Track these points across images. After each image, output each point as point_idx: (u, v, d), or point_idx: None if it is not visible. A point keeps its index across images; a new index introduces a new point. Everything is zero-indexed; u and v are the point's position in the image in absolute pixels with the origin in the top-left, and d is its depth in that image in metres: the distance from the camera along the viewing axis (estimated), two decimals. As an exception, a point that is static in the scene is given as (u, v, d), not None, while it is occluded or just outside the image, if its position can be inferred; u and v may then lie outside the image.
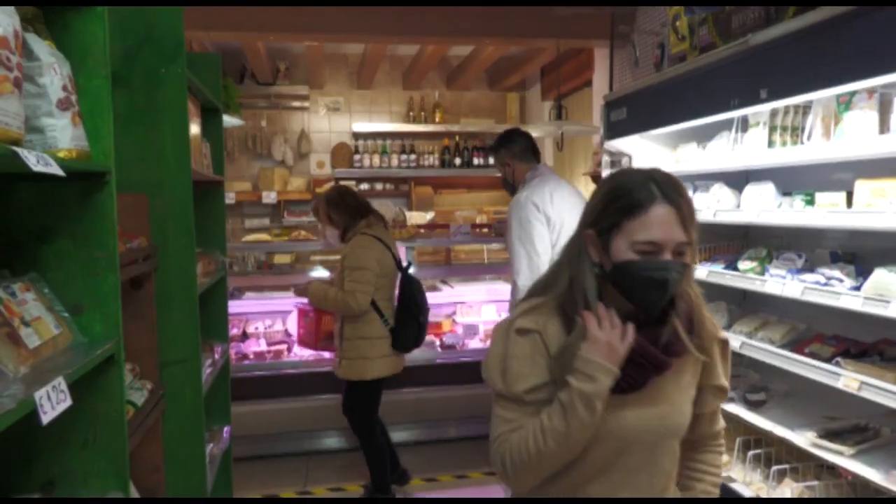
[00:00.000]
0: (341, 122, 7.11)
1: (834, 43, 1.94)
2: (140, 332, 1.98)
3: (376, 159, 6.94)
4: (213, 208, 2.88)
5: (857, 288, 2.10)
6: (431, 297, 4.80)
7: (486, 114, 7.39)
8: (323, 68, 6.73)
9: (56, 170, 1.04)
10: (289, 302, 4.60)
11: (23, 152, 0.95)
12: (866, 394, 1.98)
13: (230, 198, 6.11)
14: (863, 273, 2.15)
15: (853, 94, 2.13)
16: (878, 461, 2.04)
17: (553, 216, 2.84)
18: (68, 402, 1.09)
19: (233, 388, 3.08)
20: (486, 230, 4.85)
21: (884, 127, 2.03)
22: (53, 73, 1.19)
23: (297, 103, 6.94)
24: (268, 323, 4.50)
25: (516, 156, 3.09)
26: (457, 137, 7.07)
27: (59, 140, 1.20)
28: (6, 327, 1.10)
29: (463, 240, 4.56)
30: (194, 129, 2.33)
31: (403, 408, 4.08)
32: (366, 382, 3.26)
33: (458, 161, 7.03)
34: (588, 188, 6.01)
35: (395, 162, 6.95)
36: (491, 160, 7.04)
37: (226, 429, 2.88)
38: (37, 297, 1.25)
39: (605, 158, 3.73)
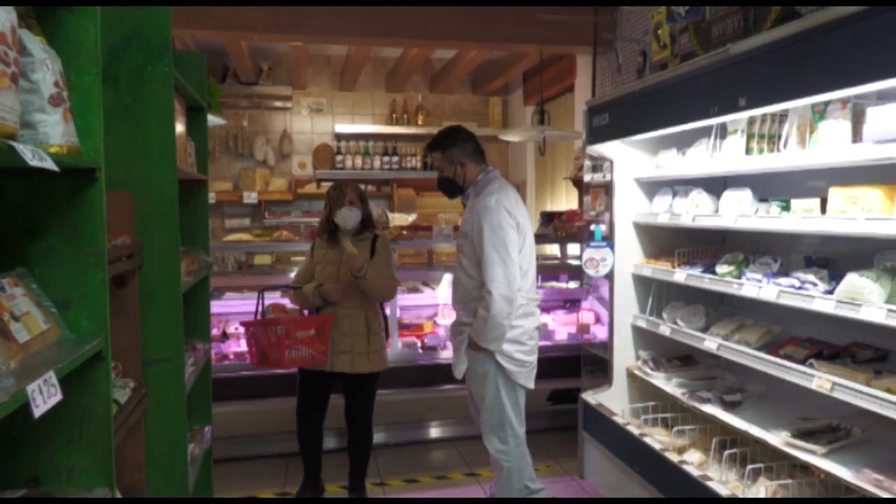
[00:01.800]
0: (324, 124, 7.11)
1: (810, 54, 2.00)
2: (123, 330, 1.97)
3: (358, 161, 6.95)
4: (196, 207, 2.86)
5: (830, 292, 2.16)
6: (413, 299, 4.83)
7: (468, 117, 7.43)
8: (306, 69, 6.72)
9: (51, 165, 1.05)
10: (268, 302, 4.58)
11: (19, 147, 0.96)
12: (838, 394, 2.04)
13: (210, 197, 6.05)
14: (835, 277, 2.22)
15: (827, 103, 2.20)
16: (849, 460, 2.10)
17: (521, 221, 2.78)
18: (59, 397, 1.09)
19: (213, 388, 3.06)
20: (468, 233, 4.88)
21: (856, 136, 2.10)
22: (46, 69, 1.19)
23: (279, 104, 6.92)
24: (248, 323, 4.47)
25: (470, 156, 2.91)
26: (439, 140, 7.10)
27: (50, 136, 1.20)
28: (-4, 322, 1.10)
29: (445, 242, 4.58)
30: (179, 127, 2.33)
31: (384, 409, 4.08)
32: (377, 375, 3.29)
33: (440, 164, 7.06)
34: (569, 192, 6.08)
35: (377, 164, 6.97)
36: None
37: (207, 429, 2.87)
38: (25, 293, 1.25)
39: (587, 163, 3.79)
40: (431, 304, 4.76)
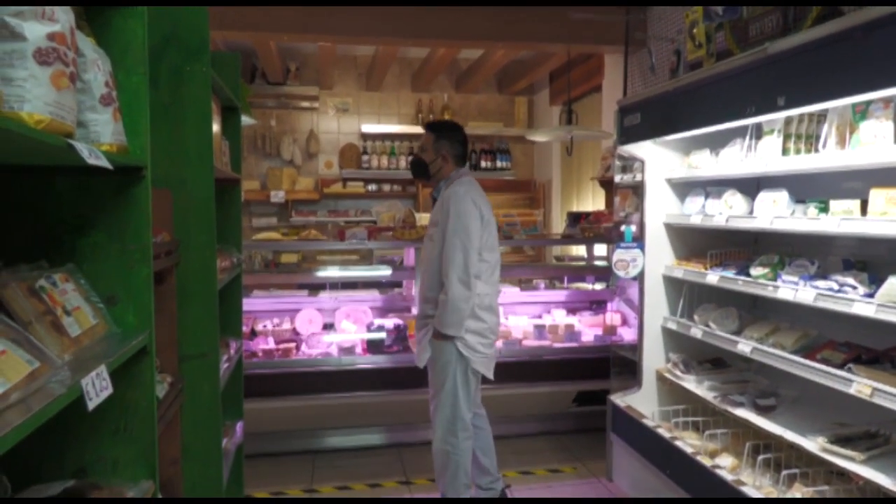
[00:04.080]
0: (350, 123, 7.16)
1: (852, 53, 1.97)
2: (161, 326, 1.99)
3: (384, 160, 6.98)
4: (230, 206, 2.90)
5: (871, 295, 2.12)
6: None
7: (494, 117, 7.43)
8: (333, 69, 6.77)
9: (106, 163, 1.07)
10: (296, 300, 4.63)
11: (78, 145, 0.98)
12: (879, 400, 2.00)
13: (239, 196, 6.14)
14: (875, 280, 2.17)
15: (869, 103, 2.16)
16: (888, 467, 2.06)
17: (485, 215, 2.91)
18: (110, 390, 1.11)
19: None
20: (494, 233, 4.87)
21: (899, 136, 2.06)
22: (97, 69, 1.22)
23: (306, 104, 6.98)
24: (276, 321, 4.52)
25: (455, 154, 3.06)
26: (465, 140, 7.10)
27: (101, 135, 1.22)
28: (50, 315, 1.13)
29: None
30: (216, 127, 2.36)
31: (406, 408, 4.10)
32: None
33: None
34: (596, 193, 6.04)
35: (402, 163, 6.99)
36: (500, 162, 7.12)
37: (239, 424, 2.90)
38: (75, 288, 1.28)
39: (617, 163, 3.77)
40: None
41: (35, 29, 0.96)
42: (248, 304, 4.55)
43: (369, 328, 4.28)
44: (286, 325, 4.45)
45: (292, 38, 5.24)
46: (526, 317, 4.81)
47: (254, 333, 4.34)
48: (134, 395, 1.40)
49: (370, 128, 7.03)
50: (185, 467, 2.11)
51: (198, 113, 2.15)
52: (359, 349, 4.19)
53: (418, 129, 7.06)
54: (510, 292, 4.96)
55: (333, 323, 4.51)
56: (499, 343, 4.37)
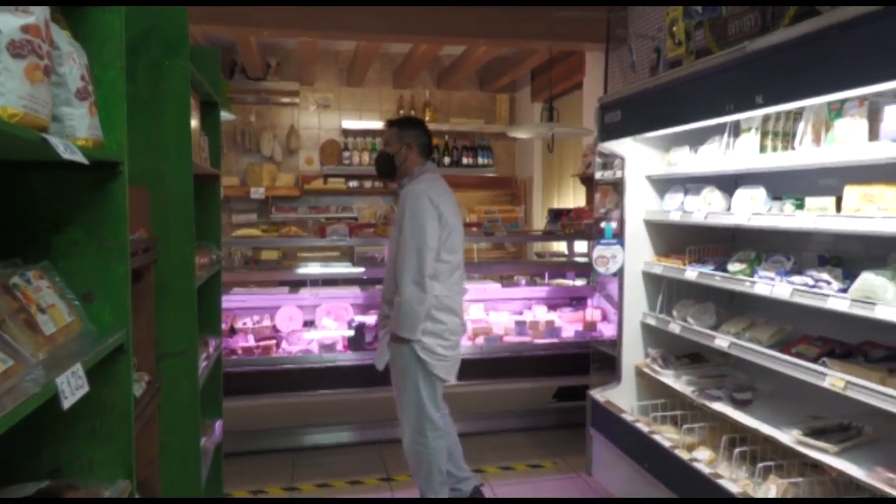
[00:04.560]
0: (331, 119, 7.12)
1: (829, 52, 1.99)
2: (138, 324, 1.97)
3: (365, 157, 6.95)
4: (209, 202, 2.87)
5: (845, 290, 2.16)
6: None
7: (475, 114, 7.43)
8: (314, 65, 6.72)
9: (81, 158, 1.05)
10: (276, 297, 4.60)
11: (52, 139, 0.96)
12: (852, 393, 2.04)
13: (218, 192, 6.08)
14: (849, 276, 2.21)
15: (844, 101, 2.19)
16: (861, 459, 2.10)
17: (445, 213, 2.83)
18: (86, 389, 1.09)
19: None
20: (475, 229, 4.88)
21: (873, 134, 2.09)
22: (72, 62, 1.19)
23: (286, 99, 6.93)
24: (256, 318, 4.49)
25: (419, 145, 3.01)
26: (446, 137, 7.11)
27: (76, 129, 1.20)
28: (24, 313, 1.10)
29: (453, 238, 4.58)
30: (194, 122, 2.33)
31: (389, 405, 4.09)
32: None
33: (447, 160, 7.07)
34: (577, 189, 6.08)
35: (384, 160, 6.96)
36: (481, 159, 7.12)
37: (218, 422, 2.88)
38: (50, 285, 1.25)
39: (598, 160, 3.79)
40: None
41: (8, 21, 0.94)
42: (228, 301, 4.52)
43: (350, 325, 4.27)
44: (266, 323, 4.42)
45: (273, 34, 5.19)
46: (507, 313, 4.83)
47: (233, 331, 4.30)
48: (110, 394, 1.38)
49: (351, 124, 6.99)
50: (162, 467, 2.09)
51: (176, 108, 2.12)
52: (339, 346, 4.18)
53: (400, 126, 7.05)
54: (491, 288, 4.97)
55: (314, 320, 4.49)
56: (479, 339, 4.39)
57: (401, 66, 6.97)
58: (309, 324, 4.50)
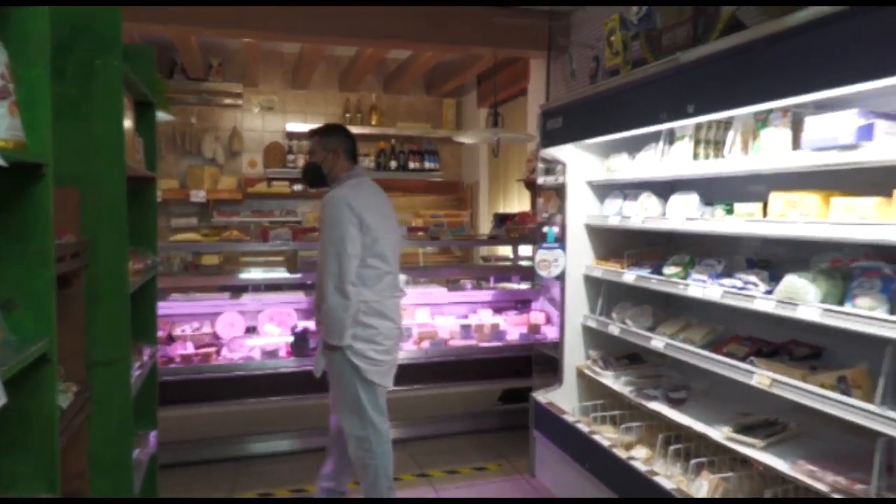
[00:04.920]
0: (275, 122, 7.00)
1: (754, 64, 2.09)
2: (67, 332, 1.89)
3: (311, 160, 6.85)
4: (144, 206, 2.78)
5: (770, 292, 2.26)
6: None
7: (422, 118, 7.45)
8: (257, 66, 6.61)
9: (-2, 159, 1.01)
10: (217, 303, 4.50)
11: (-35, 140, 0.92)
12: (777, 390, 2.14)
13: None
14: (775, 278, 2.32)
15: (769, 112, 2.30)
16: (785, 452, 2.21)
17: (367, 219, 2.78)
18: (4, 400, 1.05)
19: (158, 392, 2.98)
20: (421, 233, 4.89)
21: (795, 144, 2.20)
22: (-10, 59, 1.14)
23: (229, 100, 6.78)
24: (195, 325, 4.37)
25: (346, 151, 3.00)
26: (393, 141, 7.09)
27: (-6, 129, 1.15)
28: (-65, 323, 1.05)
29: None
30: (127, 123, 2.26)
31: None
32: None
33: (393, 164, 7.05)
34: (522, 194, 6.16)
35: (330, 163, 6.89)
36: (428, 163, 7.14)
37: (152, 433, 2.79)
38: (-35, 293, 1.19)
39: (540, 166, 3.86)
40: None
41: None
42: (166, 307, 4.38)
43: (293, 331, 4.20)
44: (206, 329, 4.31)
45: (213, 34, 5.08)
46: (453, 317, 4.85)
47: (171, 338, 4.18)
48: (33, 406, 1.32)
49: (296, 126, 6.89)
50: (92, 480, 2.01)
51: (108, 108, 2.05)
52: (283, 352, 4.11)
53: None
54: (437, 292, 4.99)
55: (256, 326, 4.40)
56: (425, 343, 4.39)
57: (347, 69, 6.93)
58: (251, 330, 4.41)
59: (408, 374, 4.29)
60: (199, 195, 6.41)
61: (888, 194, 1.91)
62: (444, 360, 4.36)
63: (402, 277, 4.60)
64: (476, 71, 6.51)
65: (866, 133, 1.92)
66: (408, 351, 4.35)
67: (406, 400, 4.28)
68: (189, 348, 4.06)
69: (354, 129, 7.15)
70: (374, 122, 7.14)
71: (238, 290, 4.72)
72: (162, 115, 3.67)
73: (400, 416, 4.29)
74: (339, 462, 3.11)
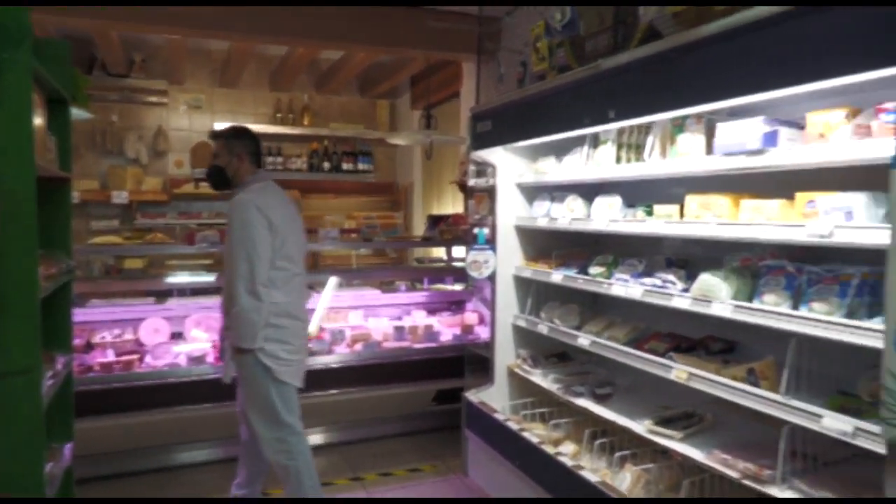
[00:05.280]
0: (202, 121, 6.80)
1: (670, 73, 2.18)
2: (-31, 341, 1.79)
3: (241, 161, 6.69)
4: (57, 208, 2.64)
5: (687, 290, 2.36)
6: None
7: (356, 119, 7.40)
8: (184, 63, 6.40)
9: None
10: (141, 309, 4.33)
11: None
12: (693, 384, 2.24)
13: (74, 197, 5.62)
14: (692, 277, 2.42)
15: (685, 118, 2.41)
16: (702, 443, 2.31)
17: (276, 222, 2.82)
18: None
19: (76, 402, 2.84)
20: (354, 235, 4.86)
21: (709, 148, 2.31)
22: None
23: (153, 98, 6.54)
24: (116, 332, 4.19)
25: (250, 154, 3.00)
26: (325, 142, 7.01)
27: None
28: None
29: (332, 244, 4.53)
30: (38, 120, 2.15)
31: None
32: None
33: (326, 165, 6.97)
34: (456, 196, 6.20)
35: (260, 164, 6.74)
36: (361, 165, 7.10)
37: (67, 446, 2.65)
38: None
39: (472, 168, 3.89)
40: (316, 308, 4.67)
41: None
42: (85, 314, 4.19)
43: (221, 336, 4.09)
44: (129, 336, 4.15)
45: (133, 29, 4.88)
46: (386, 319, 4.84)
47: (90, 346, 4.00)
48: (-73, 420, 1.24)
49: (225, 126, 6.70)
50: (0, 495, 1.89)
51: (15, 105, 1.94)
52: (210, 358, 4.00)
53: (277, 129, 6.88)
54: (371, 295, 4.97)
55: (182, 332, 4.27)
56: (358, 346, 4.37)
57: (278, 69, 6.80)
58: (177, 336, 4.27)
59: (341, 377, 4.26)
60: (121, 196, 6.15)
61: (791, 197, 2.03)
62: (377, 362, 4.35)
63: (333, 280, 4.57)
64: (410, 73, 6.52)
65: (771, 139, 2.04)
66: (341, 354, 4.31)
67: (339, 403, 4.24)
68: (109, 356, 3.90)
69: (286, 130, 7.10)
70: (306, 123, 7.04)
71: (163, 294, 4.57)
72: (78, 113, 3.50)
73: (333, 419, 4.25)
74: (252, 470, 3.11)
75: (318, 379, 4.21)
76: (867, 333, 1.68)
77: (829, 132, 1.92)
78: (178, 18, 4.16)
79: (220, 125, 6.63)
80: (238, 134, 3.05)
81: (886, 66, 1.47)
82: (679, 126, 2.46)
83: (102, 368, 3.76)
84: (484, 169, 3.68)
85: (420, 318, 4.87)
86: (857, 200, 1.82)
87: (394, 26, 4.60)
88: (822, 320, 1.83)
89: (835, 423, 1.76)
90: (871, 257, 1.83)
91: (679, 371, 2.29)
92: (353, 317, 4.78)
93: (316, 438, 4.23)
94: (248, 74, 6.83)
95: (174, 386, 3.83)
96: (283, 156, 6.84)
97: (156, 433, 3.80)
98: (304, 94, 7.16)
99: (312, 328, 4.53)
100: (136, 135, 6.52)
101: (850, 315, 1.82)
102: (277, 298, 2.80)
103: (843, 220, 1.82)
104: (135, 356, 3.90)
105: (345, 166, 7.06)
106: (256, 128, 6.71)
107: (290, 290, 2.89)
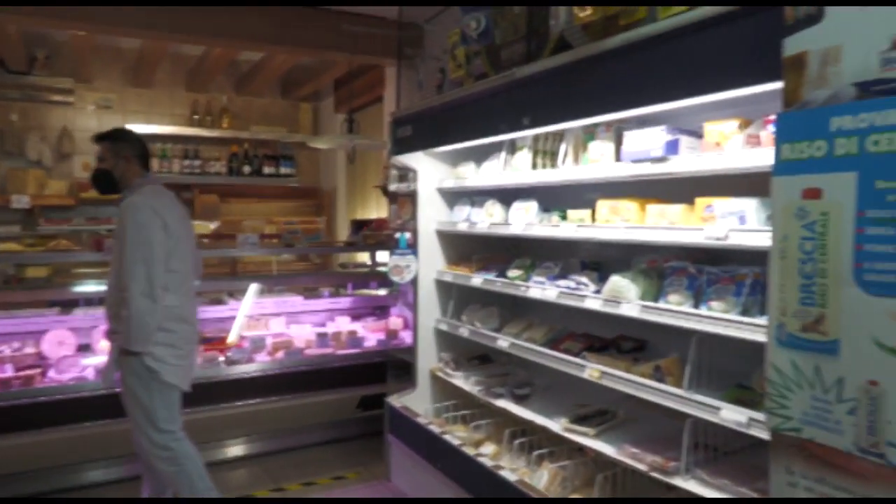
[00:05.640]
0: (113, 122, 6.47)
1: (580, 82, 2.26)
2: None
3: (154, 163, 6.44)
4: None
5: (599, 291, 2.45)
6: (216, 311, 4.59)
7: (277, 122, 7.25)
8: (91, 61, 6.10)
9: None
10: (44, 320, 4.08)
11: None
12: (605, 382, 2.32)
13: (-31, 201, 5.25)
14: (603, 279, 2.52)
15: (596, 126, 2.50)
16: (614, 439, 2.40)
17: (170, 224, 2.81)
18: None
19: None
20: (275, 240, 4.77)
21: (618, 155, 2.41)
22: None
23: (58, 97, 6.18)
24: (16, 345, 3.94)
25: (137, 157, 2.94)
26: (246, 145, 6.84)
27: None
28: None
29: (251, 251, 4.42)
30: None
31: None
32: None
33: (247, 169, 6.80)
34: (380, 201, 6.18)
35: (176, 167, 6.52)
36: (284, 168, 6.97)
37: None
38: None
39: (394, 172, 3.90)
40: (236, 316, 4.54)
41: None
42: (-20, 327, 3.92)
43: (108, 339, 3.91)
44: (29, 350, 3.90)
45: (33, 23, 4.61)
46: (309, 325, 4.77)
47: (-16, 360, 3.73)
48: None
49: (138, 128, 6.40)
50: None
51: None
52: (121, 370, 3.80)
53: (194, 131, 6.65)
54: (293, 301, 4.88)
55: (90, 343, 4.05)
56: (280, 354, 4.28)
57: (195, 69, 6.58)
58: (84, 348, 4.05)
59: (262, 386, 4.16)
60: (21, 201, 5.78)
61: (691, 202, 2.15)
62: (300, 369, 4.27)
63: (254, 287, 4.46)
64: (333, 76, 6.45)
65: (673, 147, 2.15)
66: (261, 362, 4.21)
67: (261, 413, 4.14)
68: (8, 371, 3.65)
69: (204, 132, 6.89)
70: (225, 125, 6.84)
71: (69, 304, 4.33)
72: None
73: (254, 430, 4.14)
74: (156, 482, 3.02)
75: (238, 388, 4.09)
76: (758, 329, 1.79)
77: (724, 141, 2.04)
78: (83, 14, 3.96)
79: (133, 127, 6.40)
80: (123, 136, 2.97)
81: (768, 81, 1.58)
82: (590, 134, 2.56)
83: (0, 385, 3.52)
84: (406, 174, 3.69)
85: (344, 324, 4.82)
86: (750, 205, 1.95)
87: (314, 29, 4.54)
88: (719, 318, 1.94)
89: (732, 415, 1.87)
90: (763, 258, 1.95)
91: (592, 370, 2.37)
92: (274, 324, 4.68)
93: (236, 450, 4.11)
94: (163, 74, 6.58)
95: (82, 401, 3.63)
96: (202, 159, 6.62)
97: (62, 451, 3.58)
98: (223, 96, 6.95)
99: (232, 337, 4.41)
100: (38, 135, 6.15)
101: (744, 313, 1.94)
102: (171, 302, 2.78)
103: (738, 224, 1.94)
104: (36, 370, 3.67)
105: (266, 170, 6.90)
106: (172, 129, 6.56)
107: (183, 294, 2.87)
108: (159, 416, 2.78)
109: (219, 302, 4.65)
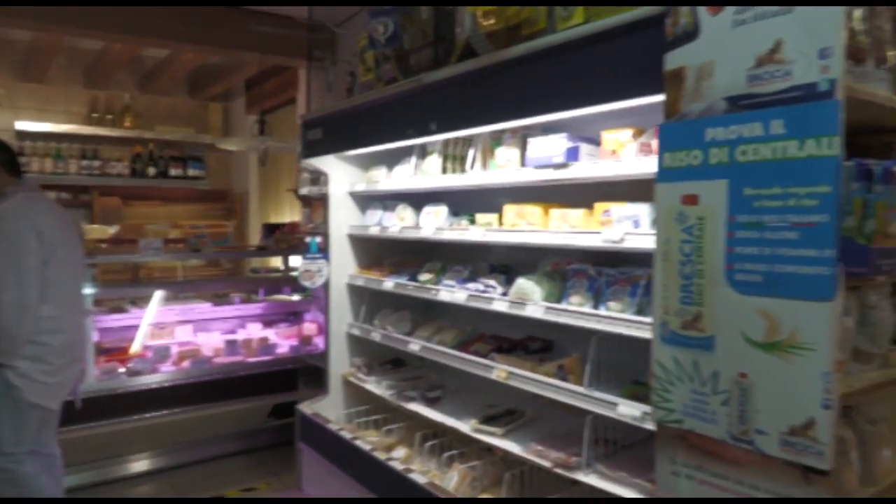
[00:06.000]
0: (3, 119, 6.05)
1: (485, 89, 2.31)
2: None
3: (49, 164, 6.06)
4: None
5: (506, 294, 2.51)
6: (117, 320, 4.36)
7: (185, 122, 6.99)
8: (-25, 52, 5.67)
9: None
10: None
11: None
12: (513, 382, 2.38)
13: None
14: (511, 282, 2.58)
15: (503, 132, 2.56)
16: (521, 437, 2.46)
17: (46, 231, 2.69)
18: None
19: None
20: (181, 245, 4.59)
21: (523, 161, 2.48)
22: None
23: (-64, 90, 5.71)
24: None
25: (5, 163, 2.81)
26: (150, 145, 6.54)
27: None
28: None
29: (155, 256, 4.23)
30: None
31: (79, 446, 3.60)
32: None
33: (152, 171, 6.51)
34: (293, 204, 6.07)
35: (73, 168, 6.15)
36: (192, 170, 6.72)
37: None
38: None
39: (306, 176, 3.85)
40: (138, 324, 4.34)
41: None
42: None
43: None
44: None
45: None
46: (218, 333, 4.61)
47: None
48: None
49: (29, 125, 6.03)
50: None
51: None
52: None
53: (93, 130, 6.30)
54: (201, 308, 4.71)
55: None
56: (186, 363, 4.12)
57: (94, 64, 6.24)
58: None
59: (167, 397, 3.99)
60: None
61: (591, 207, 2.24)
62: (208, 379, 4.13)
63: (158, 294, 4.27)
64: (244, 76, 6.28)
65: (573, 154, 2.23)
66: (166, 372, 4.04)
67: (167, 425, 3.97)
68: None
69: (104, 132, 6.55)
70: (127, 124, 6.52)
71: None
72: None
73: (159, 443, 3.96)
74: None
75: (141, 400, 3.91)
76: (649, 328, 1.89)
77: (619, 149, 2.14)
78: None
79: (23, 124, 6.01)
80: None
81: (654, 93, 1.66)
82: (497, 140, 2.62)
83: None
84: (318, 177, 3.65)
85: (255, 331, 4.69)
86: (643, 210, 2.05)
87: (222, 27, 4.41)
88: (616, 318, 2.03)
89: (628, 410, 1.96)
90: (655, 260, 2.06)
91: (500, 371, 2.42)
92: (180, 332, 4.49)
93: (140, 465, 3.93)
94: (58, 69, 6.20)
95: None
96: (101, 159, 6.27)
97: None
98: (126, 94, 6.63)
99: (135, 347, 4.21)
100: (-87, 132, 5.65)
101: (639, 312, 2.04)
102: (46, 312, 2.64)
103: (633, 228, 2.04)
104: None
105: (173, 172, 6.62)
106: (69, 128, 6.19)
107: (61, 304, 2.72)
108: (3, 437, 2.59)
109: (120, 310, 4.42)
